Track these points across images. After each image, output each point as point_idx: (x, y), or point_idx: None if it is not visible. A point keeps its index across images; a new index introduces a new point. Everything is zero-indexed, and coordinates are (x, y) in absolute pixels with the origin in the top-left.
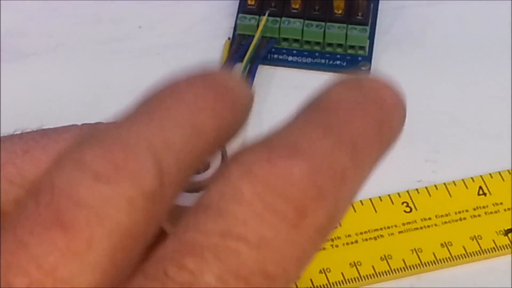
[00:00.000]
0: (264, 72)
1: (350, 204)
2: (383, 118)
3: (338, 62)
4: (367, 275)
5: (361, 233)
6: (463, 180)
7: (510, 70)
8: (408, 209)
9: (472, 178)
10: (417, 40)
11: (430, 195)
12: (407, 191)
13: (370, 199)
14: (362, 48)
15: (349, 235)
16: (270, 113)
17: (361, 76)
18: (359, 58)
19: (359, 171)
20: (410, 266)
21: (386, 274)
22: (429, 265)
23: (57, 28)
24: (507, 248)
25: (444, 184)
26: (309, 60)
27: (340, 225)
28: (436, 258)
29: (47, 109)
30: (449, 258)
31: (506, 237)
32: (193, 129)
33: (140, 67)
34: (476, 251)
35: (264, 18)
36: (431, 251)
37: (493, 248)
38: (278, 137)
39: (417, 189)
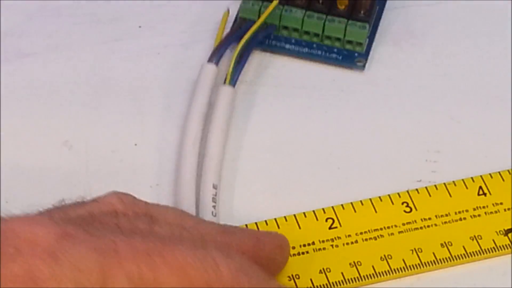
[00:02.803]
0: (260, 58)
1: None
2: None
3: (334, 55)
4: (367, 275)
5: (361, 233)
6: (463, 180)
7: (510, 70)
8: (408, 209)
9: (472, 178)
10: (416, 39)
11: (430, 195)
12: (407, 191)
13: (370, 199)
14: (359, 44)
15: (349, 235)
16: (261, 100)
17: None
18: (356, 54)
19: None
20: (410, 266)
21: (386, 274)
22: (429, 265)
23: (57, 28)
24: (507, 248)
25: (444, 184)
26: (306, 49)
27: (340, 225)
28: (436, 258)
29: (47, 108)
30: (449, 258)
31: (506, 237)
32: None
33: (140, 67)
34: (476, 251)
35: (273, 4)
36: (431, 251)
37: (493, 248)
38: None
39: (417, 189)
